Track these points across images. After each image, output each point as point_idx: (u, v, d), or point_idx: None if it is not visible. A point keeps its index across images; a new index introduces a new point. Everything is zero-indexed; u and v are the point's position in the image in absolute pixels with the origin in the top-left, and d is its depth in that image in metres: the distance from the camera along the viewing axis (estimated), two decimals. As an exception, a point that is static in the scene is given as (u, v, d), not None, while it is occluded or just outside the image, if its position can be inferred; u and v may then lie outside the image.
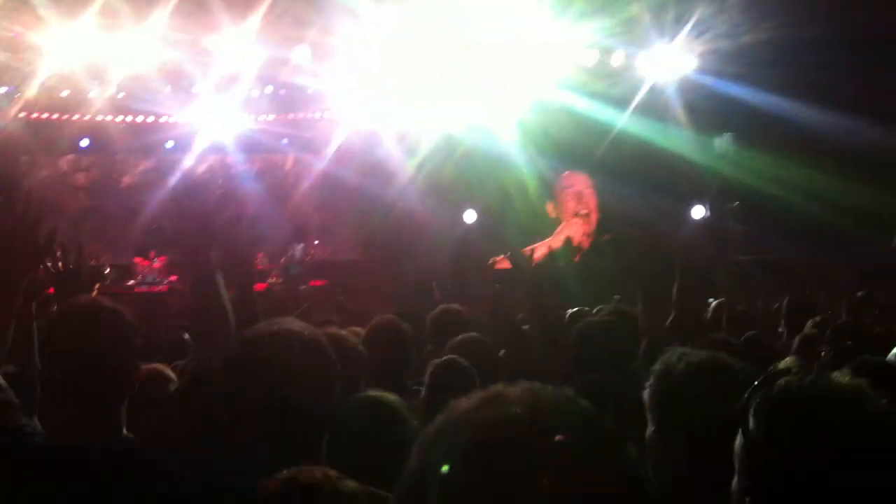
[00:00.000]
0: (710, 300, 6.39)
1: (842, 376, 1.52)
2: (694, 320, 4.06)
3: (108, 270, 11.35)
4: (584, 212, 12.87)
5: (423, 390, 3.34)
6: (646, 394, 2.12)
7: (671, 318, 3.77)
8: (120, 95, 11.78)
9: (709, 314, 5.81)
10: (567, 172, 13.09)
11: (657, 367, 2.11)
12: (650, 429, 2.10)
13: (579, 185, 13.07)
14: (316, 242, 13.38)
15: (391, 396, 2.57)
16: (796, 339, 4.52)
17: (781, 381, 1.53)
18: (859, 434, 1.44)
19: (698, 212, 12.48)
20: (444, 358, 3.43)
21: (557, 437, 0.97)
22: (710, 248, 11.47)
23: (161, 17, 9.83)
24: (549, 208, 13.15)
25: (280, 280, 12.15)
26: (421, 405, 3.16)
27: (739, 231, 12.40)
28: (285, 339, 1.99)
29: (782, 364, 1.67)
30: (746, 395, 1.55)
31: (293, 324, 2.05)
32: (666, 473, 1.99)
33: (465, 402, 1.06)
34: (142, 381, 2.74)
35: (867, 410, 1.47)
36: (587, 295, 6.83)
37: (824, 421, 1.47)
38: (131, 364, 2.30)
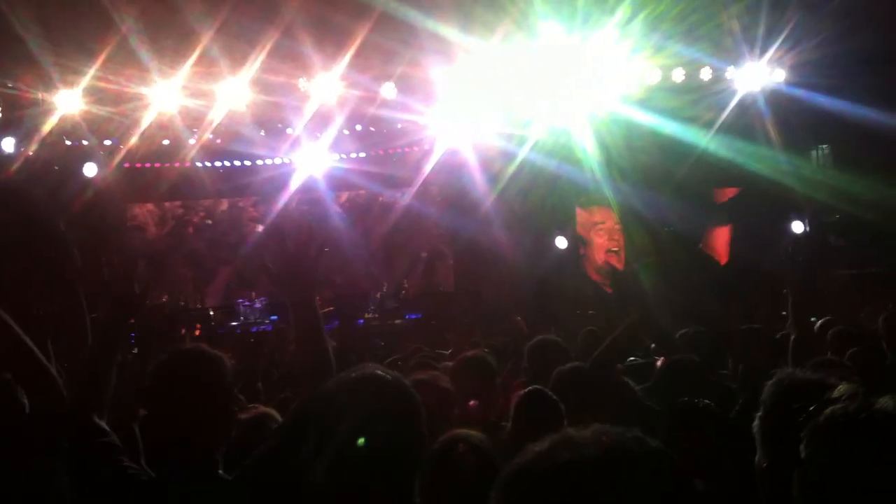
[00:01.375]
0: (814, 318, 6.20)
1: (888, 400, 1.47)
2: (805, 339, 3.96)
3: (212, 313, 11.62)
4: (614, 248, 13.39)
5: (510, 424, 3.25)
6: (755, 425, 2.00)
7: (792, 339, 3.69)
8: (217, 140, 12.14)
9: (815, 331, 5.62)
10: (596, 208, 13.38)
11: (767, 395, 2.00)
12: (761, 458, 1.97)
13: (610, 222, 13.49)
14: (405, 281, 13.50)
15: (476, 436, 2.54)
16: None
17: (828, 411, 1.51)
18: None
19: (797, 227, 12.23)
20: (528, 389, 3.35)
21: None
22: (813, 263, 11.18)
23: (254, 63, 10.16)
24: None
25: (376, 315, 12.28)
26: (507, 439, 3.15)
27: (839, 246, 12.13)
28: (372, 382, 2.01)
29: (837, 391, 1.62)
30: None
31: (377, 370, 2.07)
32: None
33: (538, 446, 1.13)
34: (250, 423, 2.91)
35: None
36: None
37: (864, 448, 1.46)
38: (229, 408, 2.37)
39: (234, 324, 12.01)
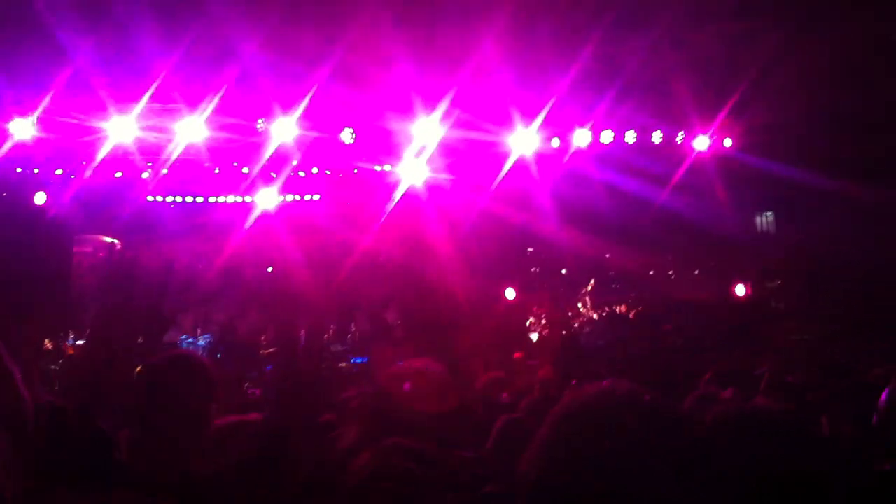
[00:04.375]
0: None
1: None
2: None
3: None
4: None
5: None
6: None
7: None
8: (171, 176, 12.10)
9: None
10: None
11: None
12: None
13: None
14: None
15: None
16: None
17: None
18: None
19: (740, 290, 12.45)
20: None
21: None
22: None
23: (213, 100, 10.21)
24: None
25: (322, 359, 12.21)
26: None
27: (782, 309, 12.35)
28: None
29: None
30: None
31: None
32: None
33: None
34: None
35: None
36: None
37: None
38: (209, 408, 2.65)
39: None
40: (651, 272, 14.21)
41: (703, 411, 2.16)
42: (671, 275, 14.33)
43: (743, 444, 1.93)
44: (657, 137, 11.37)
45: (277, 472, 2.32)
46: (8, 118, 10.09)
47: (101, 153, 10.93)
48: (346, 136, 11.59)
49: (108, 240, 13.72)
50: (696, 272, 13.82)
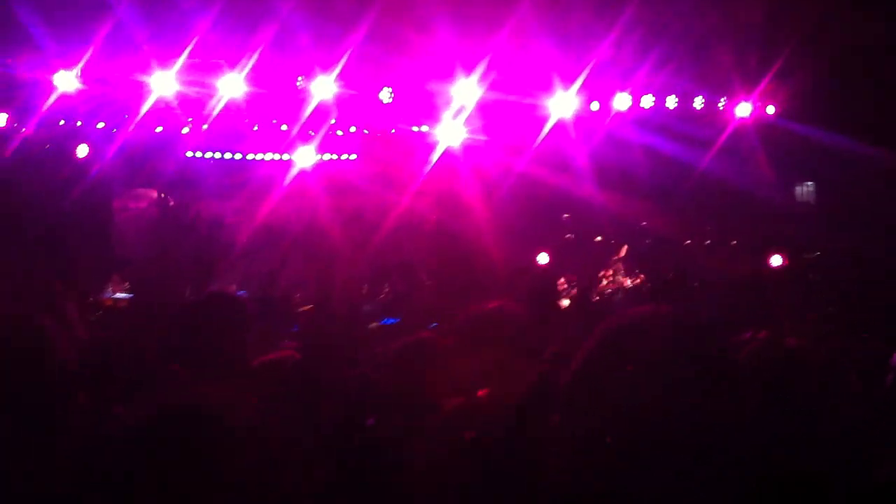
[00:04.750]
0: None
1: None
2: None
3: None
4: None
5: None
6: None
7: None
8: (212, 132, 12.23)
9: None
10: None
11: None
12: None
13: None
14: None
15: None
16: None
17: None
18: None
19: (776, 261, 12.31)
20: None
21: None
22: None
23: (252, 57, 10.30)
24: None
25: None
26: None
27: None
28: None
29: None
30: None
31: None
32: None
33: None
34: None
35: None
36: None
37: None
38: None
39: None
40: (688, 241, 14.09)
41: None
42: (709, 244, 14.20)
43: (774, 377, 1.98)
44: (698, 103, 11.24)
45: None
46: (53, 71, 10.26)
47: (144, 108, 11.09)
48: (385, 95, 11.60)
49: (155, 194, 13.94)
50: (734, 242, 13.68)
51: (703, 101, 11.46)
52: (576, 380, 1.82)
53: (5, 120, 11.04)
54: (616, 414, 1.64)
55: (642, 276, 14.01)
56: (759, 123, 11.57)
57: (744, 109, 11.38)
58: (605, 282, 14.01)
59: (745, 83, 11.02)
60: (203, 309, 3.09)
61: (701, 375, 1.70)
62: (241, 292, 13.01)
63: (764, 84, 10.96)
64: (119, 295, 12.29)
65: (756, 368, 2.06)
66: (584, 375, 1.78)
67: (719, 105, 11.53)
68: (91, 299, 12.21)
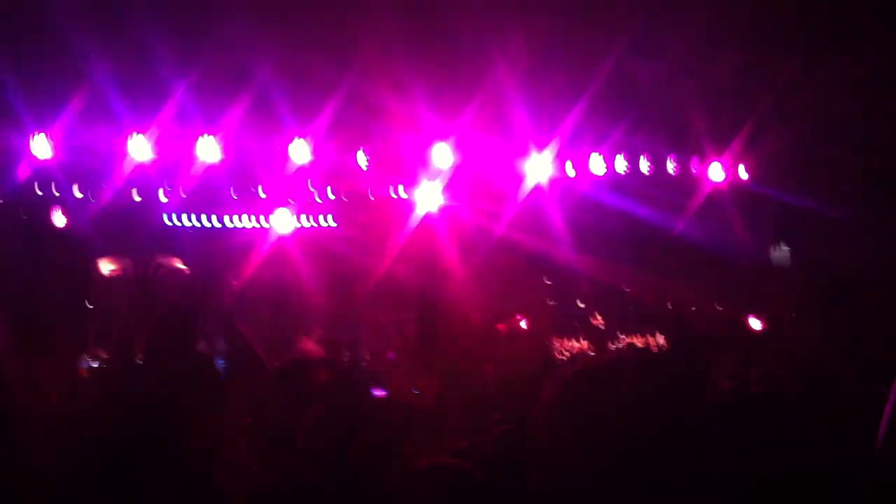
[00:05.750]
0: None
1: None
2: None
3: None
4: None
5: None
6: None
7: None
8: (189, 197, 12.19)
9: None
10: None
11: None
12: None
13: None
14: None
15: None
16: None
17: None
18: None
19: (755, 324, 12.28)
20: None
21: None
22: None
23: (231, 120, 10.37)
24: None
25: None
26: None
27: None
28: None
29: None
30: None
31: None
32: None
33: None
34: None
35: None
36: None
37: None
38: None
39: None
40: (669, 305, 14.07)
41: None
42: (693, 309, 14.17)
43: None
44: (670, 167, 11.34)
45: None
46: (28, 137, 10.28)
47: (120, 174, 11.08)
48: (362, 160, 11.67)
49: (134, 259, 13.79)
50: (717, 307, 13.67)
51: (675, 164, 11.58)
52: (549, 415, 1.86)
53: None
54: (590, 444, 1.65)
55: (624, 339, 13.96)
56: (733, 187, 11.67)
57: (716, 172, 11.49)
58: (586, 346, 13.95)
59: (716, 146, 11.16)
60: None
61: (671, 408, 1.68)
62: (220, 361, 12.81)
63: (737, 147, 11.11)
64: (95, 364, 12.10)
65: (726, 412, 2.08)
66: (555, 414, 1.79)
67: (691, 168, 11.65)
68: (68, 367, 12.04)
